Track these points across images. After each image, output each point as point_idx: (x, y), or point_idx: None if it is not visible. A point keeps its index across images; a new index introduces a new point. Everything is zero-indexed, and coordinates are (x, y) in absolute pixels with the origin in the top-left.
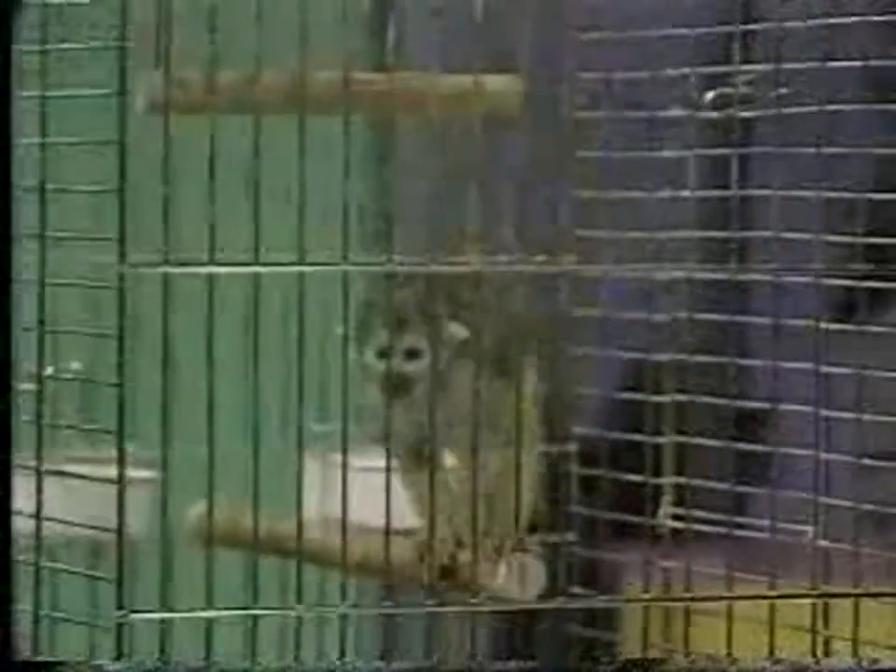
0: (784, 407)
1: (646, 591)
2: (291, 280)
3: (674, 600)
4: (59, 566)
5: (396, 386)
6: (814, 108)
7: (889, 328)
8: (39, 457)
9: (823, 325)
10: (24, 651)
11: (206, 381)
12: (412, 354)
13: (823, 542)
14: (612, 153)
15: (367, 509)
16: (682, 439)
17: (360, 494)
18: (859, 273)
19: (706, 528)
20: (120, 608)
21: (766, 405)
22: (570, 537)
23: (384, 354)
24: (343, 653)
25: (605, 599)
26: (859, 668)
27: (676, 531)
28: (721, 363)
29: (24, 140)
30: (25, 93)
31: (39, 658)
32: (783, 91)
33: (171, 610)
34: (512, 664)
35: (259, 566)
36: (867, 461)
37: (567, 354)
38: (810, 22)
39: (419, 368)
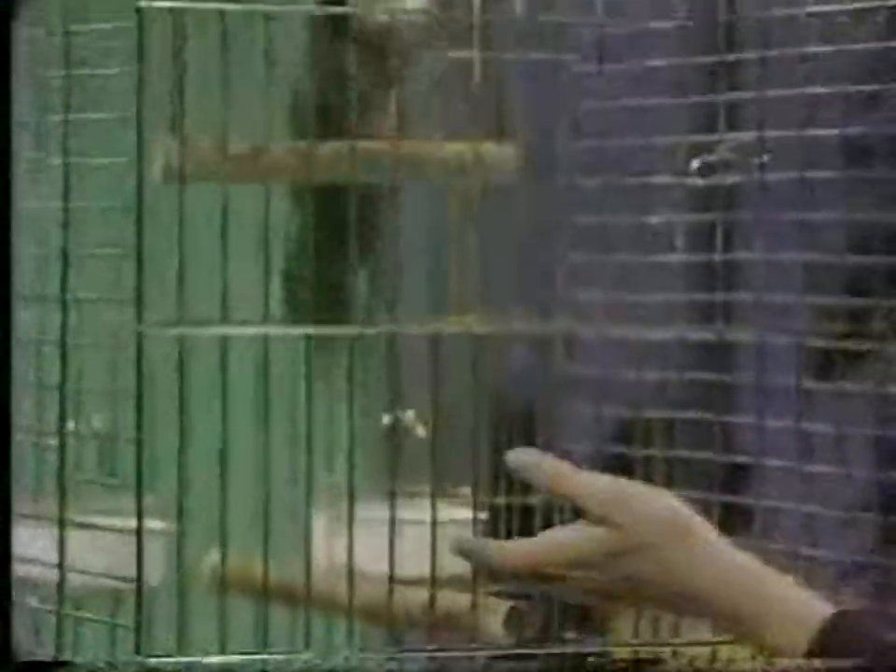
0: (767, 461)
1: (635, 635)
2: (300, 341)
3: (661, 645)
4: (81, 613)
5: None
6: (794, 175)
7: (866, 386)
8: (62, 509)
9: (806, 383)
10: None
11: (220, 436)
12: None
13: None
14: (604, 218)
15: (371, 557)
16: (671, 491)
17: (365, 543)
18: (837, 333)
19: None
20: (138, 652)
21: (750, 459)
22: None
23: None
24: None
25: (595, 644)
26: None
27: None
28: (708, 420)
29: (47, 205)
30: (50, 161)
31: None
32: (765, 158)
33: (187, 655)
34: None
35: (269, 612)
36: (849, 513)
37: (560, 410)
38: (791, 91)
39: None
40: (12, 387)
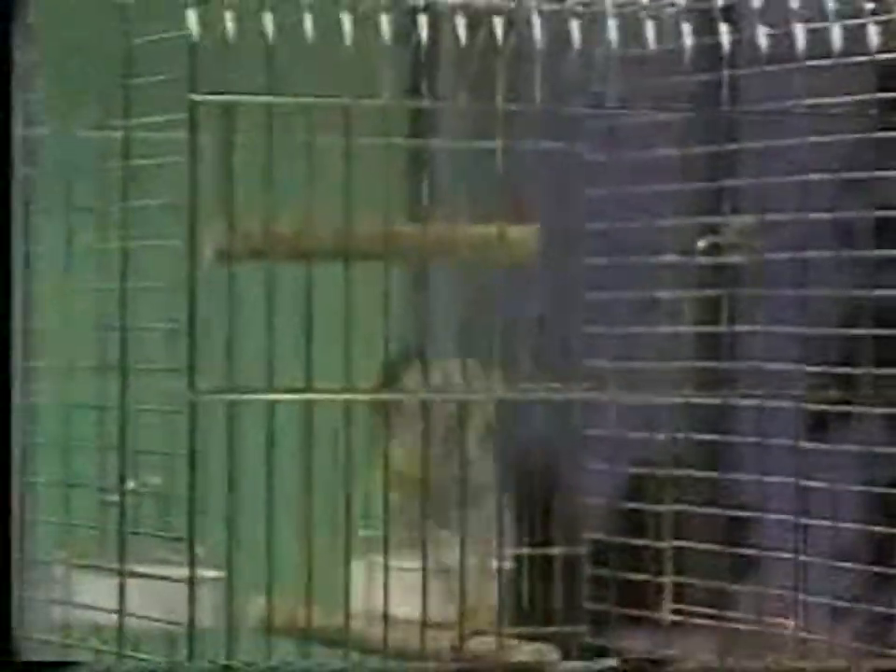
0: (767, 515)
1: None
2: (340, 405)
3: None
4: (138, 654)
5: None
6: (791, 255)
7: (858, 446)
8: (122, 560)
9: (802, 444)
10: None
11: (266, 492)
12: None
13: (803, 633)
14: (617, 293)
15: (404, 603)
16: (680, 543)
17: (399, 590)
18: (832, 398)
19: (701, 621)
20: None
21: (752, 514)
22: (582, 628)
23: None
24: None
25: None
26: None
27: (675, 623)
28: (713, 477)
29: (107, 285)
30: (111, 244)
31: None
32: (764, 240)
33: None
34: None
35: (311, 653)
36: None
37: (578, 468)
38: (788, 179)
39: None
40: (12, 387)
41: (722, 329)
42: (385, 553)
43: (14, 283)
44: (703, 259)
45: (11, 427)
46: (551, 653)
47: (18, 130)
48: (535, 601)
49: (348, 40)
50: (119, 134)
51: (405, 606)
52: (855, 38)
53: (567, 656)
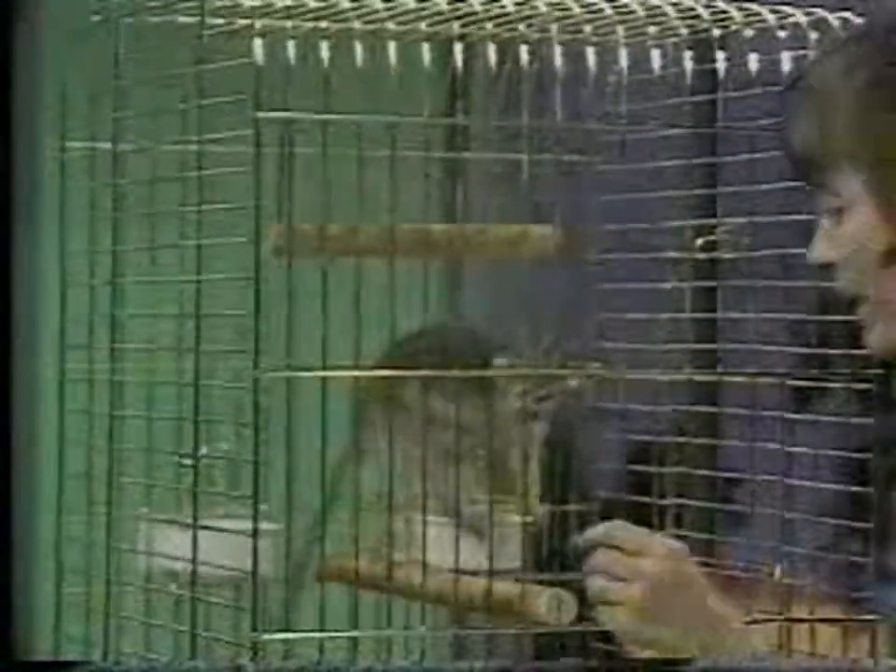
0: (756, 477)
1: None
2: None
3: None
4: (209, 598)
5: None
6: (777, 252)
7: (835, 417)
8: (195, 515)
9: (786, 415)
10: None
11: (320, 456)
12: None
13: (787, 579)
14: (627, 284)
15: (442, 554)
16: (680, 501)
17: (437, 543)
18: (812, 375)
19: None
20: (254, 630)
21: (743, 475)
22: None
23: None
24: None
25: None
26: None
27: None
28: (710, 444)
29: (184, 278)
30: (185, 243)
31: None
32: (752, 238)
33: (292, 631)
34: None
35: (359, 598)
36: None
37: (592, 437)
38: (773, 186)
39: None
40: (14, 397)
41: (717, 315)
42: (423, 509)
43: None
44: (700, 255)
45: (11, 411)
46: (568, 598)
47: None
48: (554, 552)
49: (393, 65)
50: (194, 148)
51: (441, 555)
52: None
53: (581, 600)
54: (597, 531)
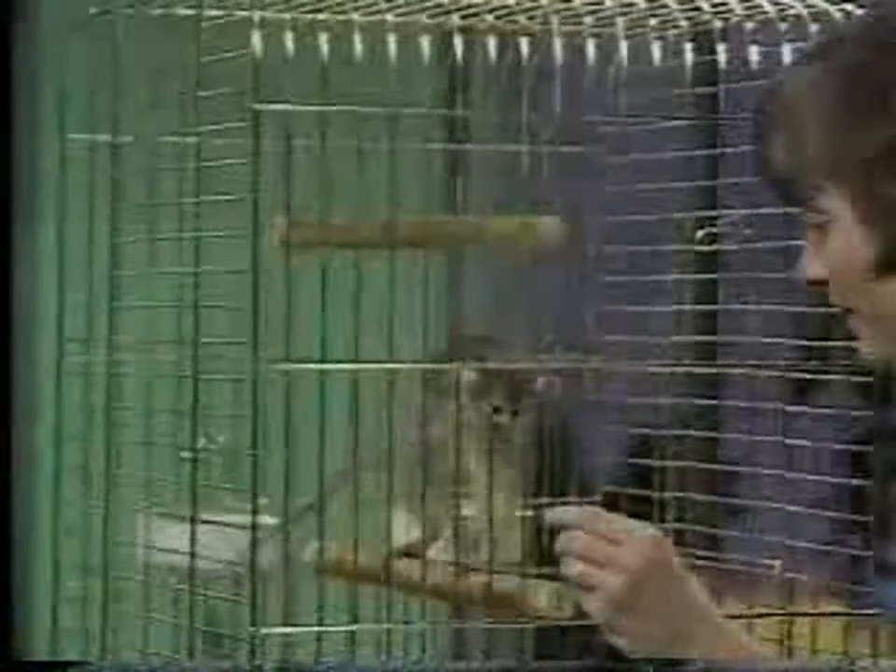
0: (756, 470)
1: None
2: (383, 375)
3: None
4: (209, 593)
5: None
6: (778, 244)
7: (835, 408)
8: (194, 508)
9: (786, 407)
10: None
11: (319, 450)
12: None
13: (788, 573)
14: (628, 277)
15: (440, 547)
16: (681, 494)
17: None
18: (811, 368)
19: (698, 563)
20: (253, 624)
21: (743, 468)
22: None
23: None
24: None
25: None
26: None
27: None
28: (710, 437)
29: (183, 270)
30: (183, 235)
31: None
32: (754, 230)
33: (292, 625)
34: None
35: (358, 592)
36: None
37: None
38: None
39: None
40: (12, 390)
41: (718, 307)
42: (422, 504)
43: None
44: (701, 247)
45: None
46: (568, 592)
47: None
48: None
49: (393, 57)
50: (193, 140)
51: (441, 550)
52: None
53: None
54: (572, 513)
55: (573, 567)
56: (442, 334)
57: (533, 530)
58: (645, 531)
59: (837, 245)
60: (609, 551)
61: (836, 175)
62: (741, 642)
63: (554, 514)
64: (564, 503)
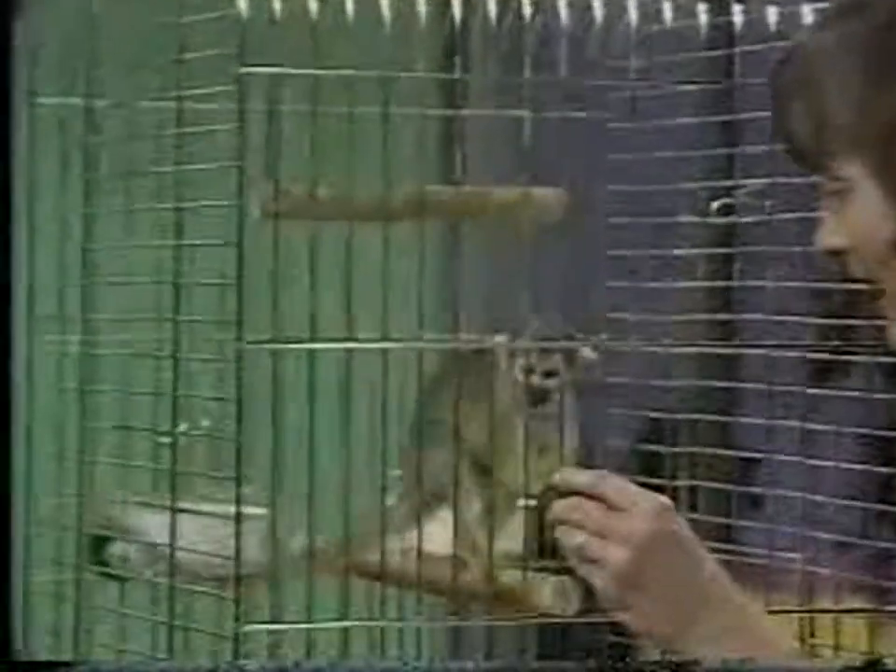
0: (775, 456)
1: None
2: (377, 354)
3: None
4: (189, 585)
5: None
6: (799, 215)
7: (860, 391)
8: (174, 497)
9: (807, 390)
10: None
11: (308, 436)
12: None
13: (809, 567)
14: (638, 251)
15: (437, 541)
16: (694, 482)
17: (432, 528)
18: (836, 347)
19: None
20: (237, 620)
21: (762, 455)
22: None
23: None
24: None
25: None
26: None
27: None
28: (725, 421)
29: (161, 242)
30: (162, 205)
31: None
32: (773, 201)
33: (278, 622)
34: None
35: (350, 587)
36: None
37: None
38: None
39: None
40: (12, 389)
41: (734, 283)
42: (420, 494)
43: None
44: (716, 219)
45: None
46: (574, 587)
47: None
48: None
49: (387, 16)
50: (173, 105)
51: (438, 542)
52: None
53: (589, 590)
54: (578, 477)
55: (574, 538)
56: (439, 311)
57: (536, 519)
58: (653, 499)
59: (858, 214)
60: (613, 520)
61: (858, 141)
62: (758, 624)
63: (561, 477)
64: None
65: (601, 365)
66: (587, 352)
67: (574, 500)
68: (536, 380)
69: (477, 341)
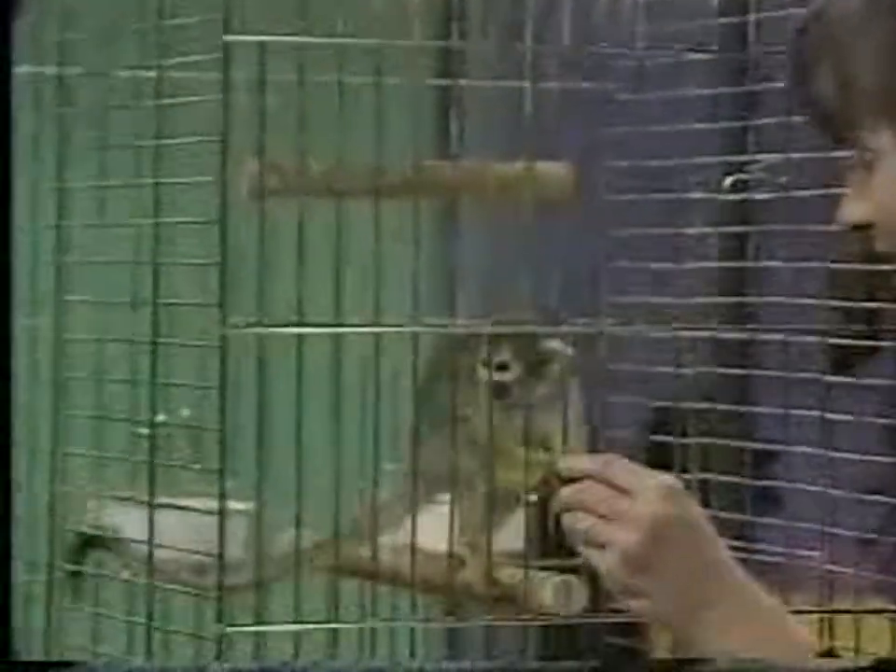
0: (793, 448)
1: None
2: (369, 339)
3: None
4: (169, 584)
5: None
6: (817, 191)
7: (881, 379)
8: (152, 492)
9: (826, 377)
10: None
11: (295, 427)
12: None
13: (829, 566)
14: (645, 230)
15: (432, 536)
16: (706, 476)
17: (427, 523)
18: (857, 332)
19: None
20: (220, 621)
21: (778, 447)
22: None
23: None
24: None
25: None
26: None
27: None
28: (739, 411)
29: (139, 220)
30: (142, 181)
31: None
32: (789, 176)
33: (263, 623)
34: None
35: (340, 585)
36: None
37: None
38: None
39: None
40: (12, 387)
41: (748, 263)
42: (414, 486)
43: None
44: (729, 196)
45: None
46: (578, 585)
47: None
48: (562, 534)
49: None
50: (153, 74)
51: (434, 539)
52: None
53: (594, 588)
54: (584, 461)
55: (581, 521)
56: (435, 293)
57: (538, 513)
58: (662, 480)
59: (885, 186)
60: (622, 503)
61: (887, 110)
62: (774, 613)
63: (565, 462)
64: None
65: (608, 352)
66: (556, 344)
67: (581, 485)
68: (492, 373)
69: (471, 325)
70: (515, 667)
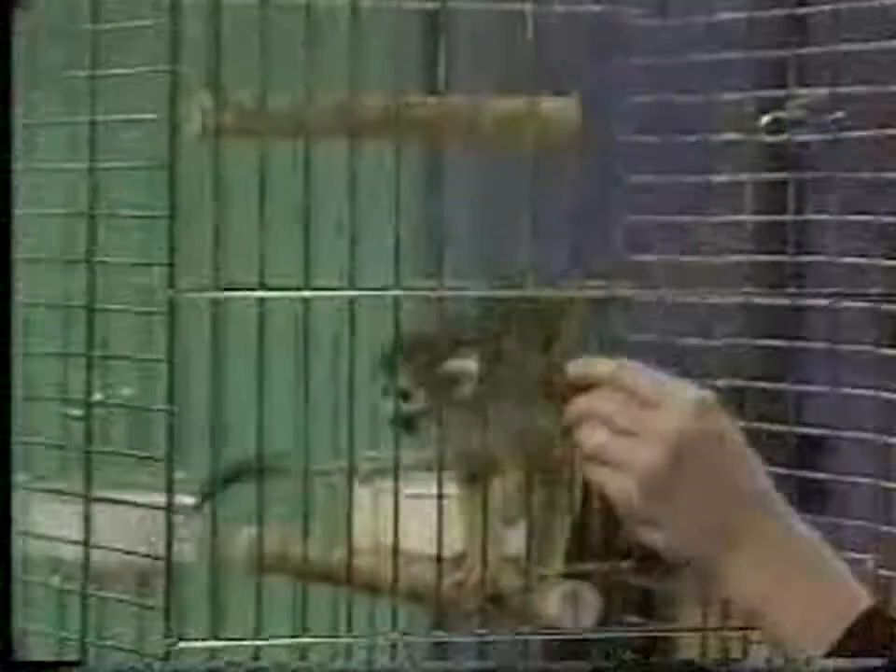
0: (843, 433)
1: (704, 620)
2: (342, 305)
3: (731, 629)
4: (107, 593)
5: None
6: (871, 133)
7: None
8: (88, 484)
9: (882, 350)
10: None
11: (256, 406)
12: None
13: (882, 570)
14: (666, 178)
15: (417, 536)
16: None
17: (411, 521)
18: None
19: None
20: (168, 636)
21: (825, 431)
22: (623, 564)
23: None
24: None
25: (661, 629)
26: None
27: None
28: (778, 389)
29: (73, 165)
30: (76, 118)
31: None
32: (839, 114)
33: (220, 638)
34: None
35: (309, 592)
36: None
37: None
38: (866, 45)
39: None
40: (12, 387)
41: (788, 217)
42: (395, 477)
43: None
44: (766, 137)
45: None
46: (588, 594)
47: None
48: (572, 535)
49: None
50: None
51: (418, 538)
52: None
53: (607, 596)
54: (600, 366)
55: (594, 436)
56: (419, 252)
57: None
58: (693, 392)
59: None
60: (644, 415)
61: None
62: (814, 559)
63: (577, 366)
64: None
65: (624, 320)
66: (460, 363)
67: (597, 392)
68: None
69: (461, 290)
70: (518, 668)
